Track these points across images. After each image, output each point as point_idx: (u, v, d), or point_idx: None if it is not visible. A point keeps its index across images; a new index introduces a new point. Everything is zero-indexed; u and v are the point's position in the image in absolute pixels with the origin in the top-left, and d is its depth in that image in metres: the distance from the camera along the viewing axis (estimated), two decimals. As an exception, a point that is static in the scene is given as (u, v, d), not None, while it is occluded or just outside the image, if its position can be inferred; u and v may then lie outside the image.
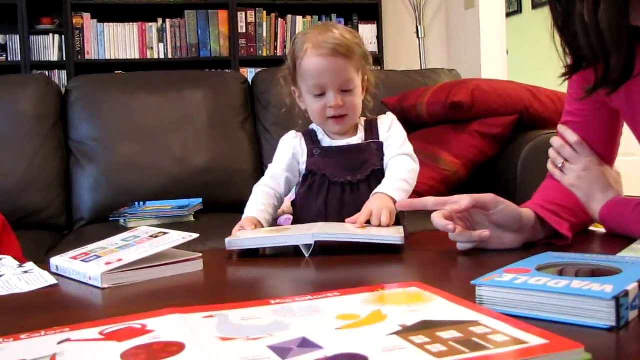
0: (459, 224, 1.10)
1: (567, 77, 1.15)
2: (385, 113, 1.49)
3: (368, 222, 1.24)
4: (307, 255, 1.12)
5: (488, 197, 1.09)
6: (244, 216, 1.37)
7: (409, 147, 1.43)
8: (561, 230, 1.11)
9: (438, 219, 1.08)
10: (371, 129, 1.45)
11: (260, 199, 1.42)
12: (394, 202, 1.29)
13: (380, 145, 1.42)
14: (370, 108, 1.50)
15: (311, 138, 1.46)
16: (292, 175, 1.45)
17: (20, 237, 2.20)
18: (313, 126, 1.48)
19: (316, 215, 1.39)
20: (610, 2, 0.91)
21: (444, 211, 1.09)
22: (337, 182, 1.40)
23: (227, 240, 1.18)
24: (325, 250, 1.14)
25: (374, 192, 1.33)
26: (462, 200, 1.08)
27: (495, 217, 1.09)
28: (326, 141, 1.45)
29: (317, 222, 1.28)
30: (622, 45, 0.95)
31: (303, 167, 1.44)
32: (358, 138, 1.44)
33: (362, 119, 1.47)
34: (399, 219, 1.32)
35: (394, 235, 1.14)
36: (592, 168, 1.20)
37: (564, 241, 1.10)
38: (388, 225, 1.23)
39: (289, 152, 1.45)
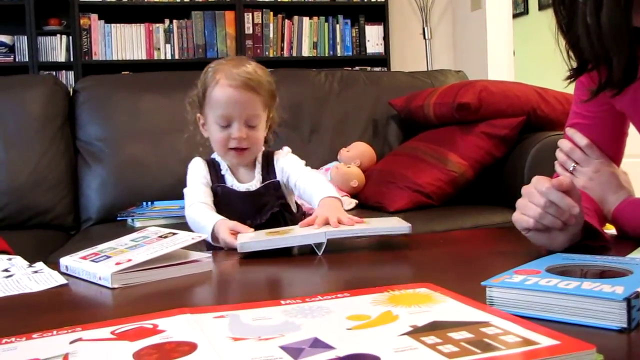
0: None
1: (571, 79, 1.15)
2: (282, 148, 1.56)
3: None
4: (319, 253, 1.13)
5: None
6: (215, 224, 1.34)
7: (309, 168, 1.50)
8: (604, 234, 1.09)
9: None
10: (267, 166, 1.50)
11: (211, 212, 1.42)
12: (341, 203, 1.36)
13: (277, 185, 1.48)
14: (271, 142, 1.58)
15: (215, 171, 1.50)
16: (211, 194, 1.50)
17: (27, 237, 2.22)
18: (215, 156, 1.53)
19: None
20: (612, 3, 0.91)
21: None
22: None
23: (239, 244, 1.18)
24: (337, 249, 1.14)
25: (320, 198, 1.35)
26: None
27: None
28: (228, 178, 1.49)
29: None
30: (623, 47, 0.95)
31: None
32: (256, 181, 1.49)
33: (259, 155, 1.52)
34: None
35: (401, 225, 1.16)
36: (603, 170, 1.20)
37: (600, 242, 1.08)
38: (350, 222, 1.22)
39: (204, 175, 1.50)
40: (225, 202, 1.47)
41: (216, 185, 1.48)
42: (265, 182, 1.48)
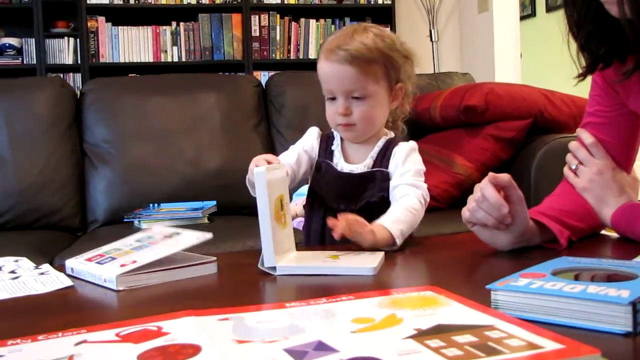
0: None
1: (582, 78, 1.15)
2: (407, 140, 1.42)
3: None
4: (275, 274, 1.06)
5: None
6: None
7: (420, 181, 1.33)
8: (560, 238, 1.10)
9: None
10: (385, 153, 1.38)
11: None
12: (392, 240, 1.18)
13: (385, 175, 1.35)
14: (401, 131, 1.47)
15: (326, 145, 1.42)
16: (306, 164, 1.41)
17: (34, 238, 2.22)
18: (333, 130, 1.44)
19: (315, 233, 1.39)
20: None
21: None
22: (332, 207, 1.36)
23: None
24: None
25: (377, 221, 1.23)
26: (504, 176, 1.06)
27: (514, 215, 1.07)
28: (336, 155, 1.40)
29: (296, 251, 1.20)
30: None
31: (314, 164, 1.41)
32: (365, 165, 1.37)
33: (384, 138, 1.39)
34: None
35: (365, 265, 1.03)
36: (606, 172, 1.19)
37: (555, 245, 1.10)
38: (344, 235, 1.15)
39: (311, 143, 1.42)
40: (325, 179, 1.39)
41: (321, 160, 1.40)
42: (374, 169, 1.37)
